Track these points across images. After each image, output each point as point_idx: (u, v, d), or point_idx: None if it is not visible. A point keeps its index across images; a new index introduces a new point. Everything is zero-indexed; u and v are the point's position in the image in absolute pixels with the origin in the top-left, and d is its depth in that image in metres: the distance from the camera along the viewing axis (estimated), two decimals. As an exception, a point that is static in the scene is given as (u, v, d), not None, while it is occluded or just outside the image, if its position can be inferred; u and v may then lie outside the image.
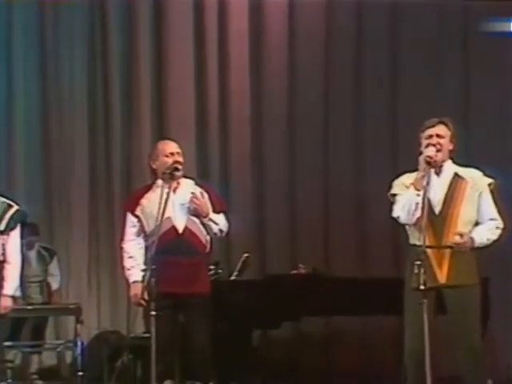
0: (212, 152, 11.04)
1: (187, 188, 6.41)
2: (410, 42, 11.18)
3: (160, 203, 6.12)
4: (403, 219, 5.59)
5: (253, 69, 11.23)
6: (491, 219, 5.61)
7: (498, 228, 5.61)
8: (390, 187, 5.78)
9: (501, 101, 11.08)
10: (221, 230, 6.44)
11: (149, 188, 6.49)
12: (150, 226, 6.28)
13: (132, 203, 6.47)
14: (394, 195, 5.71)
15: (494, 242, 5.62)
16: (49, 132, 11.42)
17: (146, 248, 6.39)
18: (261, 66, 11.28)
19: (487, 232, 5.59)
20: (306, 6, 11.20)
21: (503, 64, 11.10)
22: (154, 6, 11.32)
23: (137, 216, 6.36)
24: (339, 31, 11.29)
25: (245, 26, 11.27)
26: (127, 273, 6.44)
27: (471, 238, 5.50)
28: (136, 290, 6.28)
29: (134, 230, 6.44)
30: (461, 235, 5.47)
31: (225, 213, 6.55)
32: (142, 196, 6.44)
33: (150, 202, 6.32)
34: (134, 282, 6.33)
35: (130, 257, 6.43)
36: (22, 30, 11.48)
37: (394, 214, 5.64)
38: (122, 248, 6.56)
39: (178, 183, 6.41)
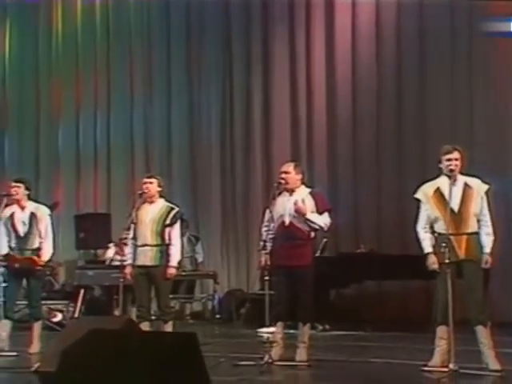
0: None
1: (300, 194, 6.09)
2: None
3: (281, 204, 6.06)
4: (418, 234, 5.66)
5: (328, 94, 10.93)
6: (486, 222, 5.54)
7: (491, 228, 5.55)
8: (416, 191, 5.75)
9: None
10: (320, 227, 6.04)
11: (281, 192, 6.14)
12: (275, 219, 6.04)
13: (270, 202, 6.14)
14: (417, 199, 5.70)
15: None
16: (194, 160, 11.59)
17: None
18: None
19: (490, 240, 5.53)
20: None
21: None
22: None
23: (270, 211, 6.07)
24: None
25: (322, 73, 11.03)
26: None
27: (489, 255, 5.48)
28: (261, 257, 6.11)
29: (266, 218, 6.12)
30: (487, 262, 5.46)
31: (329, 212, 6.15)
32: (274, 198, 6.10)
33: (278, 202, 6.07)
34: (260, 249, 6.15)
35: (261, 236, 6.15)
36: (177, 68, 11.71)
37: (417, 228, 5.66)
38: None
39: (293, 190, 6.10)
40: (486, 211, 5.58)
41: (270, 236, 6.08)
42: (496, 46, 10.06)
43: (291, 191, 6.12)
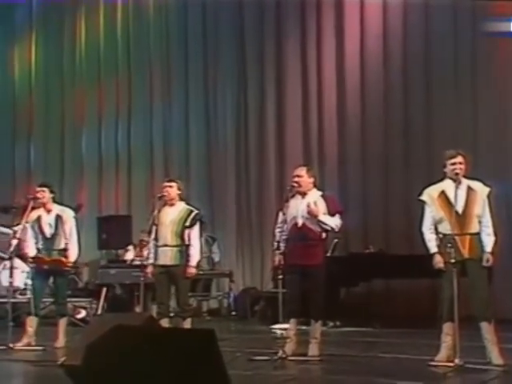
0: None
1: (312, 197, 6.07)
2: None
3: (294, 207, 6.04)
4: (424, 234, 5.68)
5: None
6: (487, 222, 5.55)
7: (491, 228, 5.56)
8: (421, 193, 5.77)
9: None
10: (332, 228, 6.01)
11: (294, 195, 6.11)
12: (288, 221, 6.04)
13: (283, 204, 6.10)
14: (422, 200, 5.71)
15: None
16: (210, 163, 11.63)
17: None
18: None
19: (491, 240, 5.53)
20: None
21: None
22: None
23: (283, 213, 6.05)
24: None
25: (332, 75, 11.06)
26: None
27: (491, 254, 5.48)
28: (275, 257, 6.06)
29: (279, 220, 6.09)
30: (488, 260, 5.47)
31: (341, 215, 6.13)
32: (288, 200, 6.08)
33: (291, 204, 6.05)
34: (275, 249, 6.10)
35: (275, 237, 6.09)
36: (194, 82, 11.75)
37: (422, 229, 5.68)
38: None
39: (306, 193, 6.09)
40: (487, 213, 5.60)
41: (284, 237, 6.07)
42: (497, 46, 9.99)
43: (304, 194, 6.12)
